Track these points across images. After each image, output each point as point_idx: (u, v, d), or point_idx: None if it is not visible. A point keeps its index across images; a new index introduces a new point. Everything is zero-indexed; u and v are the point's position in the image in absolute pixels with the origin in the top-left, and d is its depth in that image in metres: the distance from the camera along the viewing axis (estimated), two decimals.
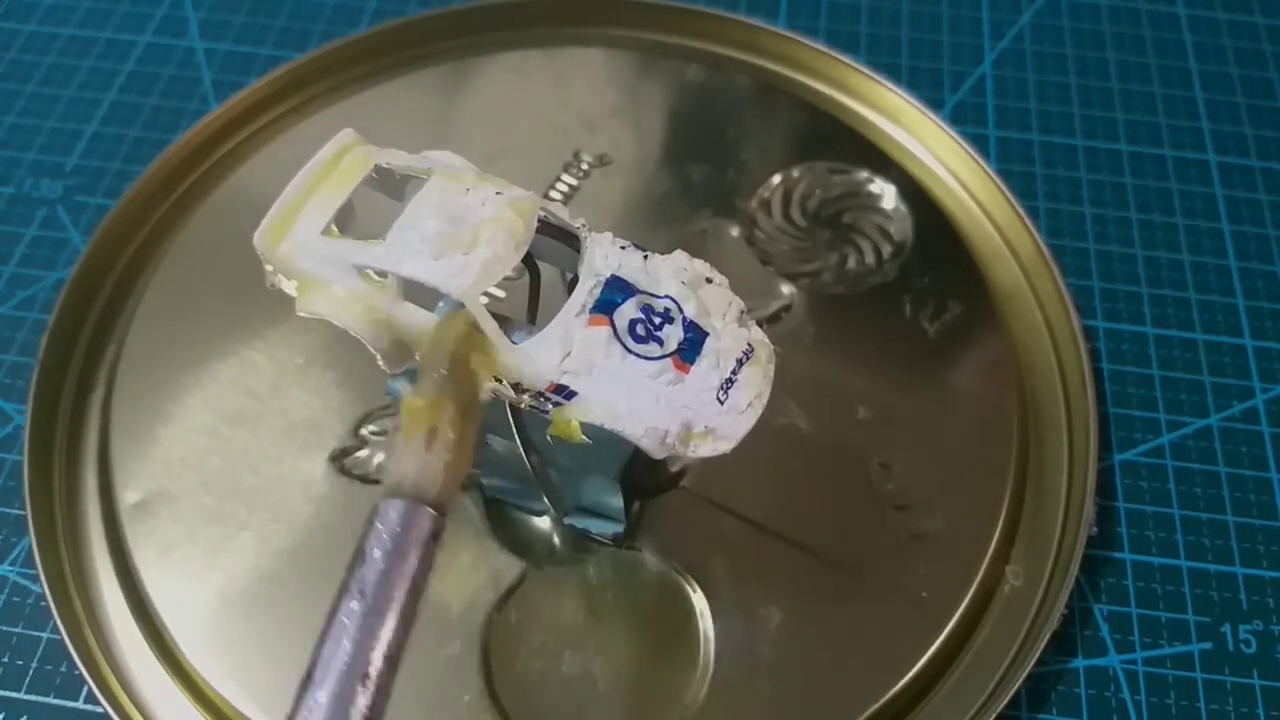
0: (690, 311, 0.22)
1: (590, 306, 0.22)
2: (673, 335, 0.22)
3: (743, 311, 0.23)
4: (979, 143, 0.37)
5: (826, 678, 0.26)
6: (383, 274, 0.22)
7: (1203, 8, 0.42)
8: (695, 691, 0.25)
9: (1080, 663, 0.28)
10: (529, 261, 0.24)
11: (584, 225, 0.23)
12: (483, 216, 0.22)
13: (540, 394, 0.22)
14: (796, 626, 0.26)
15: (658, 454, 0.22)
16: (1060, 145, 0.38)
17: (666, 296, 0.22)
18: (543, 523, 0.27)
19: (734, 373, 0.22)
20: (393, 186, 0.24)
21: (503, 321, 0.22)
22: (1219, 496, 0.30)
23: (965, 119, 0.38)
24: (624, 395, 0.22)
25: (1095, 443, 0.29)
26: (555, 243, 0.23)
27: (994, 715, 0.25)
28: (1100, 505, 0.30)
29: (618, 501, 0.26)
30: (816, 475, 0.29)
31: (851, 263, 0.33)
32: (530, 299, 0.24)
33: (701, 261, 0.23)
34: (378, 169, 0.23)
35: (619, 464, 0.25)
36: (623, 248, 0.23)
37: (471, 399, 0.21)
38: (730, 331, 0.23)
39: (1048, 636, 0.26)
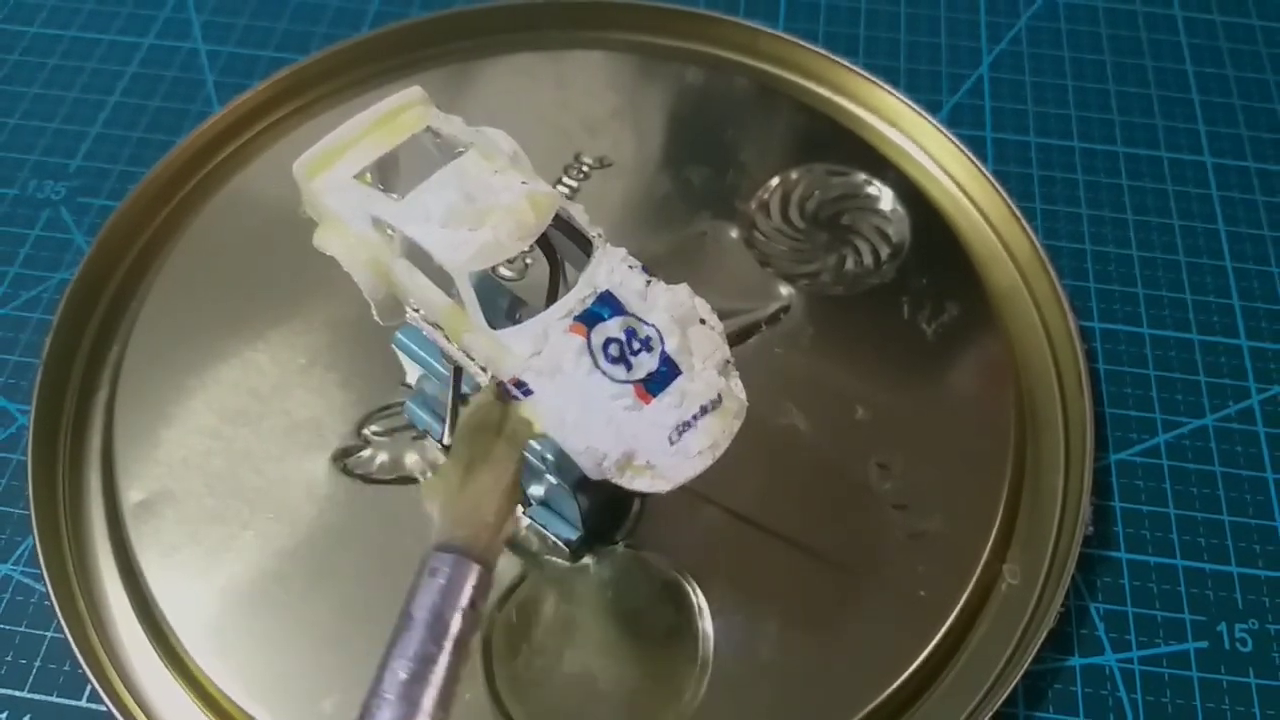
0: (670, 346, 0.22)
1: (576, 314, 0.22)
2: (645, 364, 0.22)
3: (728, 361, 0.23)
4: (976, 145, 0.37)
5: (825, 676, 0.26)
6: (392, 229, 0.22)
7: (1199, 10, 0.42)
8: (695, 690, 0.25)
9: (1077, 661, 0.28)
10: (549, 253, 0.24)
11: (600, 235, 0.23)
12: (498, 201, 0.22)
13: (502, 383, 0.22)
14: (795, 625, 0.26)
15: (592, 474, 0.22)
16: (1057, 147, 0.38)
17: (652, 325, 0.22)
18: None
19: (695, 417, 0.22)
20: (444, 151, 0.24)
21: (518, 304, 0.22)
22: (1215, 496, 0.31)
23: (963, 121, 0.38)
24: (577, 408, 0.22)
25: (1091, 443, 0.29)
26: (570, 244, 0.24)
27: (990, 713, 0.26)
28: (1096, 505, 0.30)
29: (573, 508, 0.26)
30: (815, 475, 0.29)
31: (850, 264, 0.33)
32: (550, 288, 0.25)
33: (704, 302, 0.23)
34: (429, 130, 0.24)
35: (579, 471, 0.25)
36: (630, 266, 0.23)
37: (516, 462, 0.22)
38: (706, 377, 0.22)
39: (1044, 635, 0.26)
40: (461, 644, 0.20)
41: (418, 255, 0.22)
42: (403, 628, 0.20)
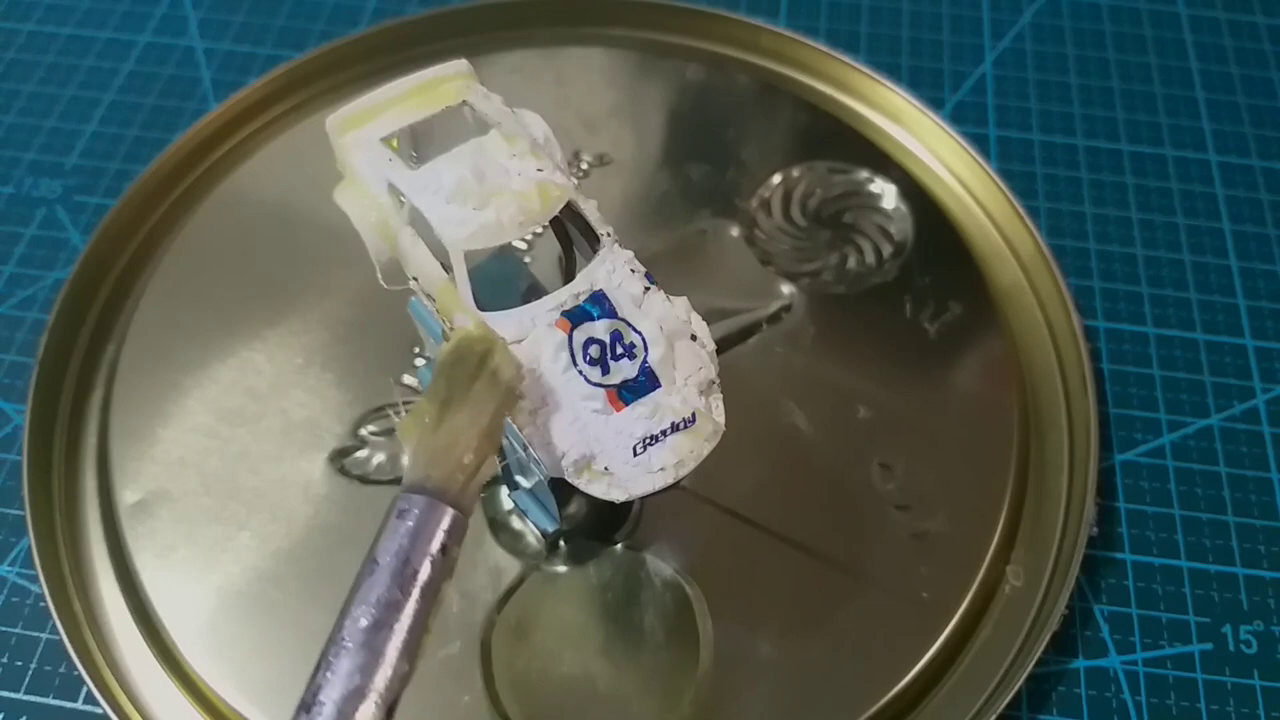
0: (653, 357, 0.22)
1: (565, 309, 0.22)
2: (624, 370, 0.22)
3: (713, 383, 0.23)
4: (979, 142, 0.37)
5: (826, 678, 0.26)
6: (403, 196, 0.23)
7: (1204, 7, 0.42)
8: (695, 692, 0.25)
9: (1081, 663, 0.28)
10: (565, 244, 0.24)
11: (610, 234, 0.23)
12: (508, 184, 0.22)
13: None
14: (796, 627, 0.26)
15: (550, 470, 0.22)
16: (1061, 145, 0.38)
17: (640, 333, 0.22)
18: (542, 523, 0.27)
19: (664, 433, 0.22)
20: (480, 127, 0.24)
21: (537, 289, 0.23)
22: (1219, 497, 0.30)
23: (966, 118, 0.38)
24: (545, 403, 0.22)
25: (1096, 443, 0.29)
26: (581, 237, 0.24)
27: (994, 715, 0.25)
28: (1101, 505, 0.30)
29: (551, 500, 0.26)
30: (817, 476, 0.29)
31: (852, 262, 0.33)
32: (564, 278, 0.24)
33: (701, 321, 0.23)
34: (467, 104, 0.24)
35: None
36: (633, 270, 0.23)
37: (498, 400, 0.21)
38: (685, 394, 0.22)
39: (1048, 637, 0.26)
40: (430, 591, 0.18)
41: (422, 225, 0.22)
42: (366, 573, 0.18)
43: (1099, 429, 0.30)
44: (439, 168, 0.22)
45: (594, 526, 0.27)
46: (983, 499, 0.28)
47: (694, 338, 0.23)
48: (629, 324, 0.22)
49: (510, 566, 0.27)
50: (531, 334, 0.22)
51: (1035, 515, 0.29)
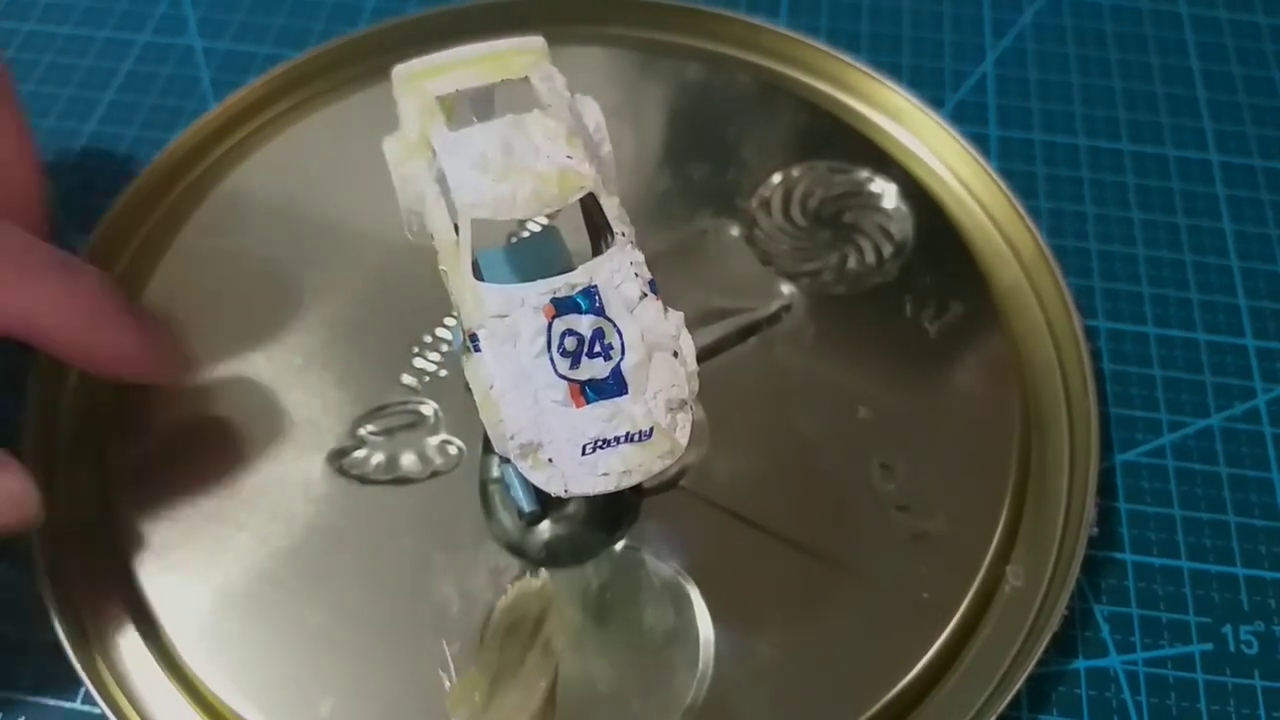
0: (628, 362, 0.22)
1: (556, 296, 0.22)
2: (594, 369, 0.22)
3: (684, 403, 0.22)
4: (980, 142, 0.37)
5: (826, 679, 0.26)
6: (434, 154, 0.23)
7: (1205, 7, 0.42)
8: (695, 693, 0.25)
9: (1081, 664, 0.28)
10: (592, 232, 0.24)
11: (625, 234, 0.23)
12: (533, 164, 0.22)
13: (462, 330, 0.22)
14: (796, 627, 0.26)
15: (496, 447, 0.22)
16: (1062, 144, 0.38)
17: (621, 336, 0.22)
18: (542, 523, 0.27)
19: (617, 440, 0.22)
20: (538, 104, 0.24)
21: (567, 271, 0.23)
22: (1220, 497, 0.30)
23: (966, 118, 0.38)
24: (509, 382, 0.22)
25: (1096, 443, 0.29)
26: (602, 230, 0.24)
27: (995, 716, 0.25)
28: (1101, 506, 0.30)
29: (523, 483, 0.26)
30: (817, 476, 0.29)
31: (852, 262, 0.33)
32: (594, 249, 0.24)
33: (689, 339, 0.23)
34: (527, 81, 0.24)
35: None
36: (636, 274, 0.23)
37: (550, 676, 0.21)
38: (650, 406, 0.22)
39: (1048, 637, 0.26)
40: None
41: (446, 186, 0.23)
42: None
43: (1099, 429, 0.30)
44: (474, 134, 0.23)
45: (594, 525, 0.27)
46: (983, 499, 0.28)
47: (676, 354, 0.23)
48: (614, 325, 0.22)
49: (510, 566, 0.27)
50: (516, 313, 0.22)
51: (1036, 515, 0.29)
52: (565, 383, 0.22)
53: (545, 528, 0.27)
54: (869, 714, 0.25)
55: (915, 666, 0.26)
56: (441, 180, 0.23)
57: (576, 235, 0.25)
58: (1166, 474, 0.31)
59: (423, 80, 0.24)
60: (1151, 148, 0.38)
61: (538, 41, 0.25)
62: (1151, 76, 0.40)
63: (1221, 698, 0.27)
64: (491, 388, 0.22)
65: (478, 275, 0.23)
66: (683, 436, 0.22)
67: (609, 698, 0.25)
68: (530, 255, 0.25)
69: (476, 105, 0.24)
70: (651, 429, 0.22)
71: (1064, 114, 0.38)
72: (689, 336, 0.23)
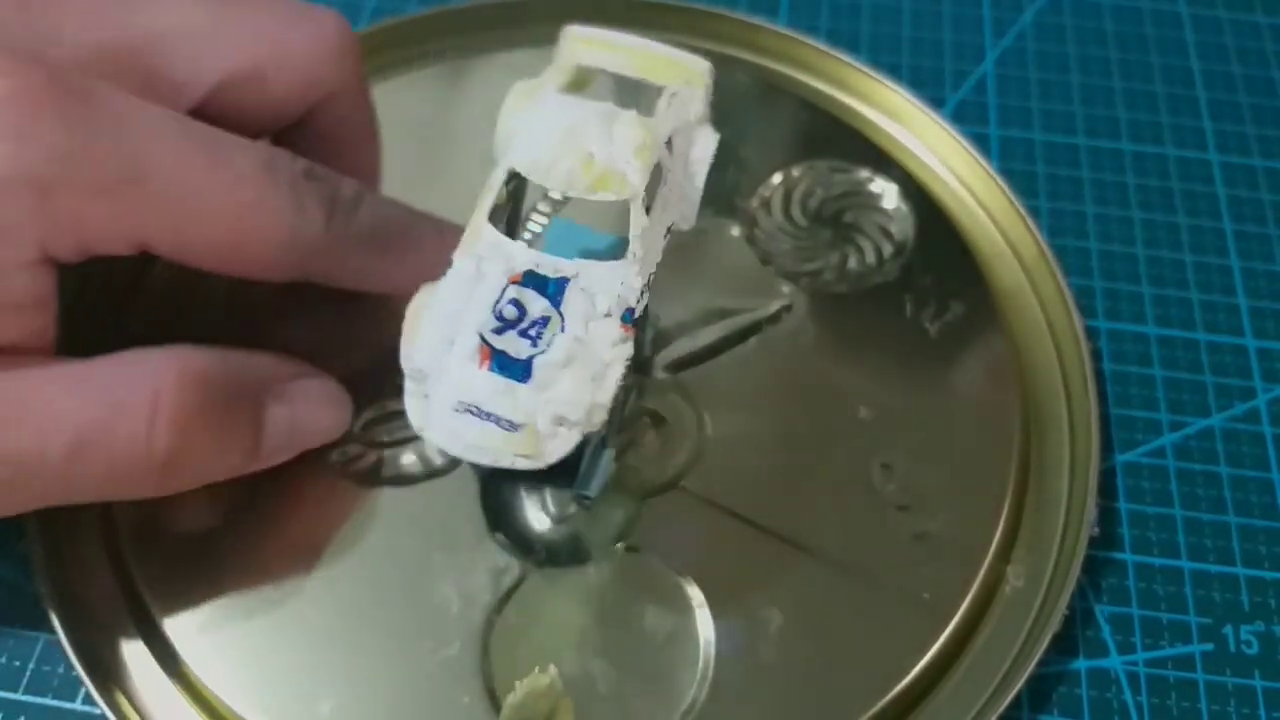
0: (546, 359, 0.22)
1: (535, 270, 0.22)
2: (514, 345, 0.22)
3: (574, 425, 0.22)
4: (981, 142, 0.37)
5: (827, 679, 0.26)
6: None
7: (1205, 7, 0.42)
8: (695, 693, 0.25)
9: (1082, 664, 0.28)
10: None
11: (636, 255, 0.23)
12: (591, 152, 0.23)
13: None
14: (797, 627, 0.26)
15: (400, 357, 0.22)
16: (1062, 144, 0.38)
17: (561, 331, 0.22)
18: (543, 523, 0.27)
19: (489, 416, 0.22)
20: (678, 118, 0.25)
21: (620, 246, 0.23)
22: (1221, 497, 0.30)
23: (967, 118, 0.38)
24: (442, 311, 0.22)
25: (1097, 443, 0.29)
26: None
27: (995, 716, 0.25)
28: (1102, 506, 0.30)
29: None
30: (817, 476, 0.29)
31: (852, 262, 0.33)
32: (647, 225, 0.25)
33: (618, 376, 0.23)
34: (670, 91, 0.25)
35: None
36: (619, 295, 0.23)
37: None
38: (539, 407, 0.22)
39: (1049, 638, 0.26)
40: None
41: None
42: None
43: (1100, 429, 0.30)
44: (559, 104, 0.23)
45: (594, 525, 0.27)
46: (983, 499, 0.28)
47: (593, 380, 0.22)
48: (561, 321, 0.22)
49: (510, 566, 0.27)
50: (489, 263, 0.22)
51: (1036, 515, 0.29)
52: (480, 341, 0.22)
53: (546, 528, 0.27)
54: (869, 714, 0.25)
55: (915, 666, 0.26)
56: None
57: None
58: (1167, 474, 0.31)
59: (580, 46, 0.25)
60: (1152, 147, 0.38)
61: (703, 65, 0.26)
62: (1151, 76, 0.40)
63: (1222, 698, 0.27)
64: (428, 307, 0.22)
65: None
66: (552, 452, 0.22)
67: (609, 698, 0.25)
68: (589, 244, 0.26)
69: (620, 94, 0.25)
70: (520, 427, 0.22)
71: (1064, 114, 0.38)
72: (618, 375, 0.23)
